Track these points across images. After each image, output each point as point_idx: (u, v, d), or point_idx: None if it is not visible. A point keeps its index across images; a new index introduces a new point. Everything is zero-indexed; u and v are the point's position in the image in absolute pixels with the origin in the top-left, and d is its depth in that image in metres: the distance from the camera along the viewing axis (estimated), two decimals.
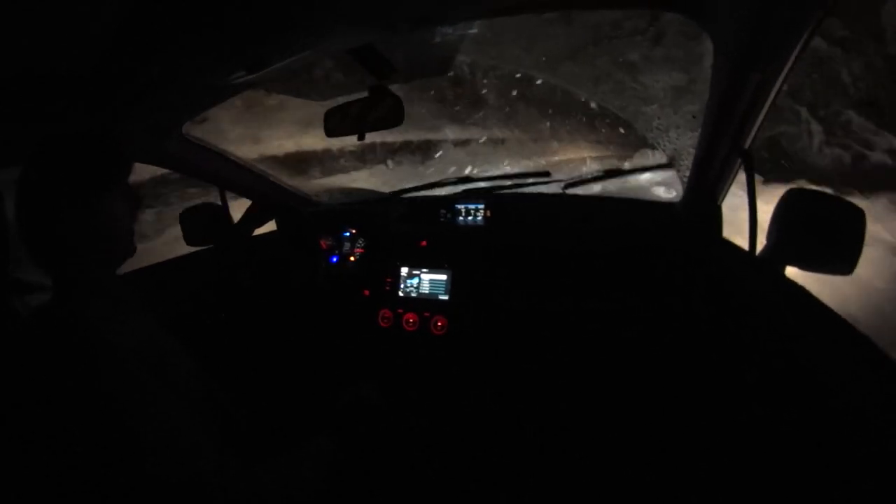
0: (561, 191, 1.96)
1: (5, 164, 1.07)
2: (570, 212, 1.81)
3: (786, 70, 0.93)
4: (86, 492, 0.75)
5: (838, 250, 1.00)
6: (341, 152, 7.40)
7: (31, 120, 1.00)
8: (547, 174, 2.00)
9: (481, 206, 1.80)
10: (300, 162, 7.10)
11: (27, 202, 0.83)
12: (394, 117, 1.30)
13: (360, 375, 1.24)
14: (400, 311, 1.74)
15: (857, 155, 5.57)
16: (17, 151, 1.02)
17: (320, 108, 1.44)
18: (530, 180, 1.97)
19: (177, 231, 1.77)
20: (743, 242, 1.28)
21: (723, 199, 1.41)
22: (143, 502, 0.75)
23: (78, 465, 0.74)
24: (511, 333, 1.62)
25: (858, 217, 0.98)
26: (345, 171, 7.43)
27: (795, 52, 0.89)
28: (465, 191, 1.97)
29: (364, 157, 7.66)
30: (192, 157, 1.58)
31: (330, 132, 1.41)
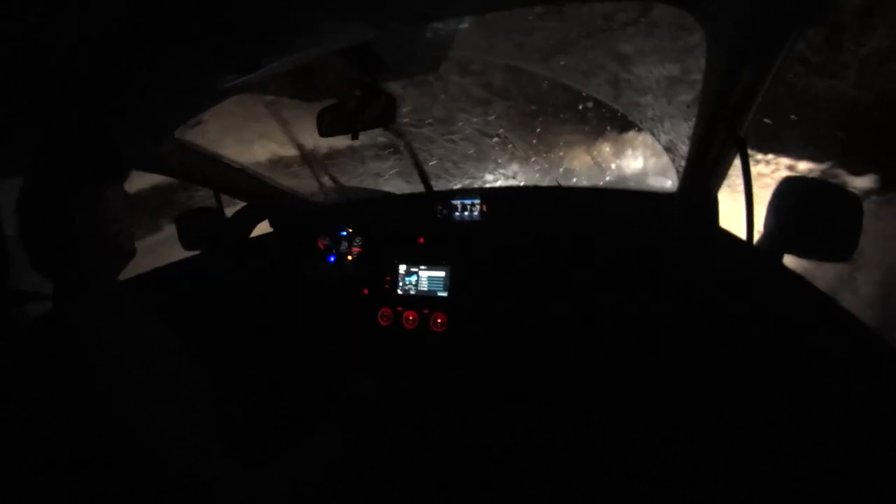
0: (556, 183, 1.96)
1: (2, 168, 1.07)
2: (566, 204, 1.81)
3: (780, 59, 0.93)
4: (88, 495, 0.75)
5: (836, 237, 1.00)
6: None
7: (25, 125, 0.99)
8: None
9: (477, 202, 1.79)
10: None
11: (29, 204, 0.83)
12: (387, 116, 1.29)
13: (361, 374, 1.24)
14: (399, 308, 1.74)
15: None
16: (12, 156, 1.01)
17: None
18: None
19: None
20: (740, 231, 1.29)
21: (719, 187, 1.41)
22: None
23: (80, 469, 0.74)
24: (511, 328, 1.62)
25: (854, 204, 0.98)
26: None
27: (790, 42, 0.89)
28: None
29: None
30: (186, 162, 1.57)
31: (323, 131, 1.40)
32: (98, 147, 0.88)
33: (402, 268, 1.79)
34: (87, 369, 0.75)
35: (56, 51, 0.75)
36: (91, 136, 0.88)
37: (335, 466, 0.95)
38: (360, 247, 1.91)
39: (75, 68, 0.83)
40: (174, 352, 0.98)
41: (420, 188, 1.94)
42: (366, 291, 1.82)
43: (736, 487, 1.14)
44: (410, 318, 1.72)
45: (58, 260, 0.85)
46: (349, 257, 1.90)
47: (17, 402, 0.77)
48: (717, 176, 1.37)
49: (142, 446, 0.73)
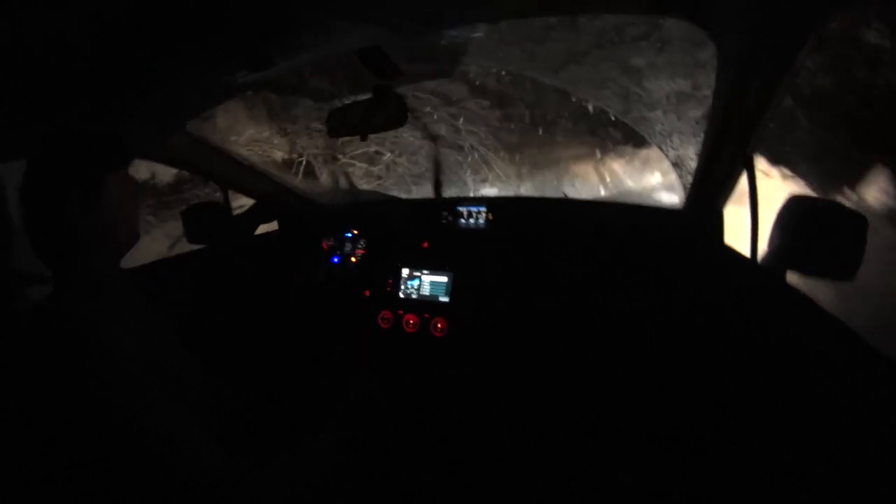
0: (564, 195, 1.96)
1: (8, 161, 1.08)
2: (572, 216, 1.81)
3: (789, 77, 0.94)
4: (87, 492, 0.75)
5: (839, 256, 1.00)
6: None
7: (35, 119, 1.00)
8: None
9: (483, 209, 1.80)
10: None
11: (31, 191, 0.84)
12: (397, 118, 1.30)
13: (362, 376, 1.24)
14: (400, 312, 1.74)
15: None
16: (20, 150, 1.02)
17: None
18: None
19: None
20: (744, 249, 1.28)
21: (726, 204, 1.41)
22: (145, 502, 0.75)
23: (78, 467, 0.74)
24: (511, 336, 1.62)
25: (859, 223, 0.98)
26: None
27: (799, 60, 0.89)
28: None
29: None
30: (196, 156, 1.58)
31: (333, 132, 1.41)
32: (100, 137, 0.89)
33: (405, 272, 1.79)
34: (87, 365, 0.74)
35: (59, 49, 0.76)
36: (93, 127, 0.89)
37: (338, 467, 0.94)
38: (363, 249, 1.91)
39: (80, 64, 0.84)
40: (175, 348, 0.98)
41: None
42: (367, 294, 1.82)
43: (734, 493, 1.14)
44: (411, 322, 1.72)
45: (59, 249, 0.85)
46: (353, 259, 1.91)
47: (15, 398, 0.77)
48: (723, 193, 1.37)
49: (142, 445, 0.72)
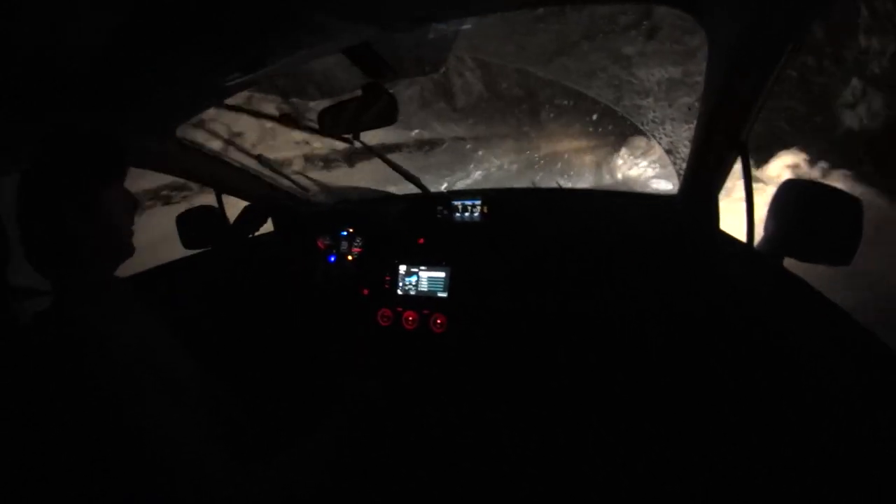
0: (557, 185, 1.96)
1: (2, 165, 1.07)
2: (566, 206, 1.81)
3: (781, 62, 0.93)
4: (86, 493, 0.75)
5: (836, 241, 1.00)
6: None
7: (24, 122, 1.00)
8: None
9: (478, 203, 1.79)
10: None
11: (27, 200, 0.83)
12: (388, 115, 1.29)
13: (361, 375, 1.24)
14: (399, 309, 1.74)
15: None
16: (13, 153, 1.01)
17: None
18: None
19: None
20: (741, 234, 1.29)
21: (720, 190, 1.41)
22: (144, 503, 0.75)
23: (78, 466, 0.74)
24: (511, 330, 1.62)
25: (855, 207, 0.98)
26: None
27: (791, 45, 0.89)
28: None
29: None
30: (187, 160, 1.57)
31: (325, 131, 1.40)
32: (97, 145, 0.88)
33: (403, 268, 1.78)
34: (83, 368, 0.75)
35: (59, 50, 0.75)
36: (90, 134, 0.88)
37: (335, 466, 0.95)
38: (360, 247, 1.90)
39: (77, 67, 0.83)
40: (174, 351, 0.98)
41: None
42: (366, 292, 1.82)
43: (734, 488, 1.14)
44: (410, 318, 1.72)
45: (56, 259, 0.85)
46: (349, 257, 1.90)
47: (15, 400, 0.77)
48: (717, 179, 1.37)
49: (142, 447, 0.73)
